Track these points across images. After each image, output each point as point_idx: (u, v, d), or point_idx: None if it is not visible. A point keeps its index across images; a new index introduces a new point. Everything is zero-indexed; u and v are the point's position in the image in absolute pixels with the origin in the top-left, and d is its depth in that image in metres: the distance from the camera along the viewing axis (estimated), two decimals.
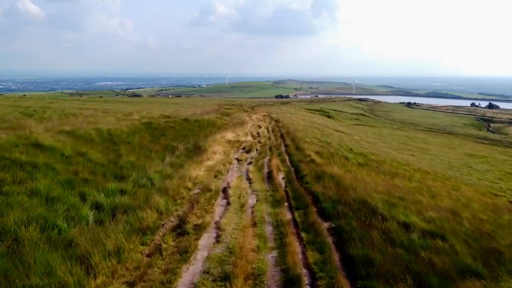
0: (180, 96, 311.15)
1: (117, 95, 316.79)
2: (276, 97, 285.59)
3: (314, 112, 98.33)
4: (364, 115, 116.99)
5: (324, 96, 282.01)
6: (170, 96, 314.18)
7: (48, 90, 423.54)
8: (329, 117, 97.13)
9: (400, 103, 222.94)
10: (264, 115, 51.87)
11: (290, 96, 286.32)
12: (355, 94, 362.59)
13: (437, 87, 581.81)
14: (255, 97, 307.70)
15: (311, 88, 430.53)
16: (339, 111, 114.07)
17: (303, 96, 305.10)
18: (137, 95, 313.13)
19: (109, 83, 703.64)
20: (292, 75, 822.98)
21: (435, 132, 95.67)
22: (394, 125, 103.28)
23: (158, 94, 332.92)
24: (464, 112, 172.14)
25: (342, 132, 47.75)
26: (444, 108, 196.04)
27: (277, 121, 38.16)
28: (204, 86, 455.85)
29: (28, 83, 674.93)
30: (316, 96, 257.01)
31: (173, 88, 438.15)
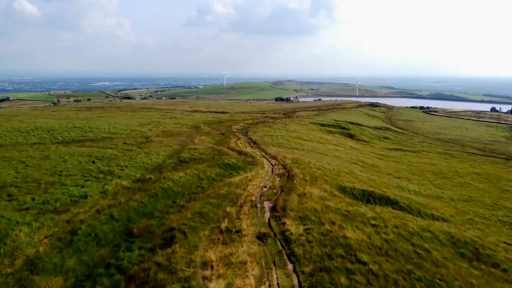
0: (174, 98, 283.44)
1: (107, 97, 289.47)
2: (276, 99, 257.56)
3: (331, 129, 71.16)
4: (390, 129, 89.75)
5: (327, 98, 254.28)
6: (163, 98, 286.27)
7: (42, 91, 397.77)
8: (351, 136, 70.05)
9: (412, 107, 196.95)
10: (266, 173, 24.83)
11: (291, 98, 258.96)
12: (358, 96, 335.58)
13: (438, 88, 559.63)
14: (253, 99, 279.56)
15: (311, 89, 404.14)
16: (358, 124, 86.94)
17: (304, 99, 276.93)
18: (129, 97, 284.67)
19: (107, 83, 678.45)
20: (291, 75, 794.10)
21: (492, 156, 68.69)
22: (434, 144, 76.24)
23: (151, 96, 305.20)
24: (493, 120, 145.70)
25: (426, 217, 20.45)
26: (464, 114, 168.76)
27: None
28: (201, 87, 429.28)
29: (25, 83, 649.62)
30: (319, 99, 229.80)
31: (169, 89, 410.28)
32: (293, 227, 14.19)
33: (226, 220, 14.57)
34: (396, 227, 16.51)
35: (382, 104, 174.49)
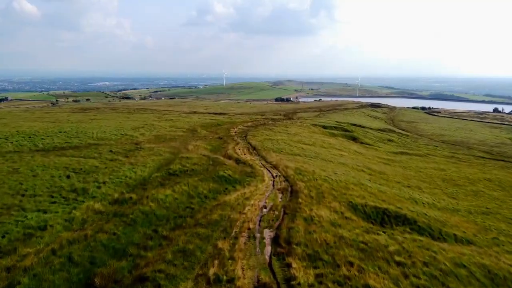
0: (173, 98, 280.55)
1: (106, 97, 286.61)
2: (276, 100, 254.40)
3: (334, 131, 68.02)
4: (393, 131, 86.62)
5: (328, 99, 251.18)
6: (163, 98, 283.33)
7: (41, 91, 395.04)
8: (354, 139, 66.90)
9: (413, 107, 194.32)
10: (266, 187, 21.70)
11: (291, 98, 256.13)
12: (359, 97, 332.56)
13: (438, 88, 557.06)
14: (253, 99, 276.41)
15: (312, 89, 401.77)
16: (361, 126, 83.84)
17: (305, 99, 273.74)
18: (128, 98, 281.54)
19: (107, 83, 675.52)
20: (291, 75, 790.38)
21: (501, 160, 65.72)
22: (440, 147, 73.08)
23: (150, 96, 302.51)
24: (496, 121, 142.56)
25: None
26: (467, 115, 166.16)
27: None
28: (201, 87, 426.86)
29: (24, 83, 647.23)
30: (320, 99, 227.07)
31: (169, 89, 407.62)
32: (301, 273, 11.06)
33: (215, 262, 11.44)
34: (425, 264, 13.41)
35: (384, 104, 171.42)
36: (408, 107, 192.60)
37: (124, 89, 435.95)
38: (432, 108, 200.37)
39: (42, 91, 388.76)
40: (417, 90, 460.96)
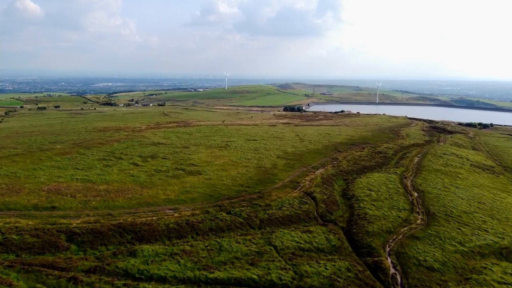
0: (163, 104, 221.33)
1: (85, 102, 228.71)
2: (285, 109, 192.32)
3: None
4: None
5: (346, 107, 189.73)
6: (151, 104, 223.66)
7: (34, 92, 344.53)
8: None
9: (468, 124, 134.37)
10: None
11: (304, 108, 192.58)
12: (379, 104, 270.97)
13: (451, 92, 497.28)
14: (257, 107, 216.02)
15: (323, 94, 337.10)
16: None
17: (319, 107, 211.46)
18: (110, 104, 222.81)
19: (109, 84, 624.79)
20: (298, 77, 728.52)
21: None
22: None
23: (136, 103, 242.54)
24: None
25: None
26: None
27: None
28: (201, 90, 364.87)
29: (26, 83, 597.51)
30: (342, 111, 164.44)
31: (165, 92, 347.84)
32: None
33: None
34: None
35: (439, 123, 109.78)
36: (459, 124, 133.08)
37: (126, 90, 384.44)
38: (494, 125, 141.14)
39: (35, 92, 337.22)
40: (433, 95, 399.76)
